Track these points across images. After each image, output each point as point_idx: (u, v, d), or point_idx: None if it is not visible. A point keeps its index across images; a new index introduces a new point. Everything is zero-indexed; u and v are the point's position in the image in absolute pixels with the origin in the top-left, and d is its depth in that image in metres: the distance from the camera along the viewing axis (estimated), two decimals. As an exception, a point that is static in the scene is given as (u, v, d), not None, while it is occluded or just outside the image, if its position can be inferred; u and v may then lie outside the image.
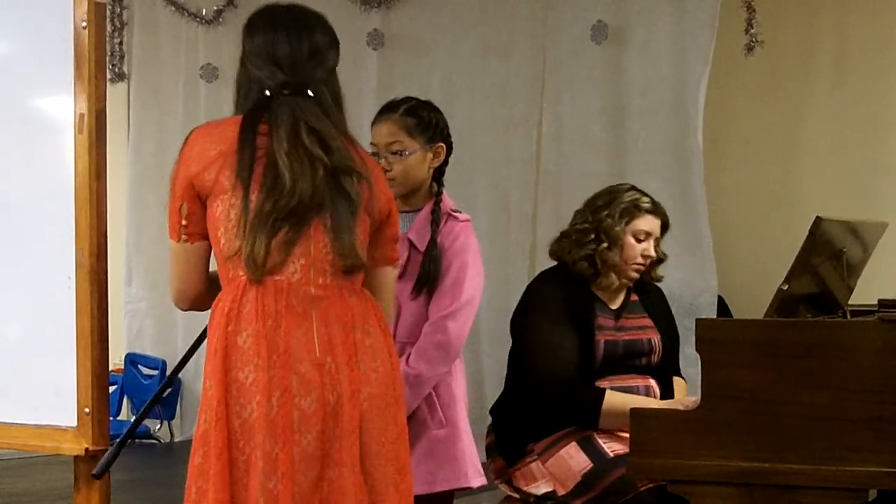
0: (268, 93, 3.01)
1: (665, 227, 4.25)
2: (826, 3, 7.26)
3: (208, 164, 2.93)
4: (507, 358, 4.29)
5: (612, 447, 4.00)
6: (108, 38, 7.87)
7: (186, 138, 3.02)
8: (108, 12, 8.25)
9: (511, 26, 7.67)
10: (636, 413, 3.65)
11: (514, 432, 4.17)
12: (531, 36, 7.63)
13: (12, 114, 3.80)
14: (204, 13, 8.50)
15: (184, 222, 2.97)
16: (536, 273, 4.50)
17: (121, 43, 8.72)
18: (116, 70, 8.59)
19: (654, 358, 4.22)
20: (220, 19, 8.45)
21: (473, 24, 7.77)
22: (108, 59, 7.45)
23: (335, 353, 2.92)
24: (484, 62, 7.74)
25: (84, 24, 3.53)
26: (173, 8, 8.59)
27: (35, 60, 3.75)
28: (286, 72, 3.02)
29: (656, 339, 4.24)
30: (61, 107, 3.60)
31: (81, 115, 3.53)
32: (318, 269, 2.95)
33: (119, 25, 8.68)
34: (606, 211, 4.16)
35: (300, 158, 2.92)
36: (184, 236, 2.98)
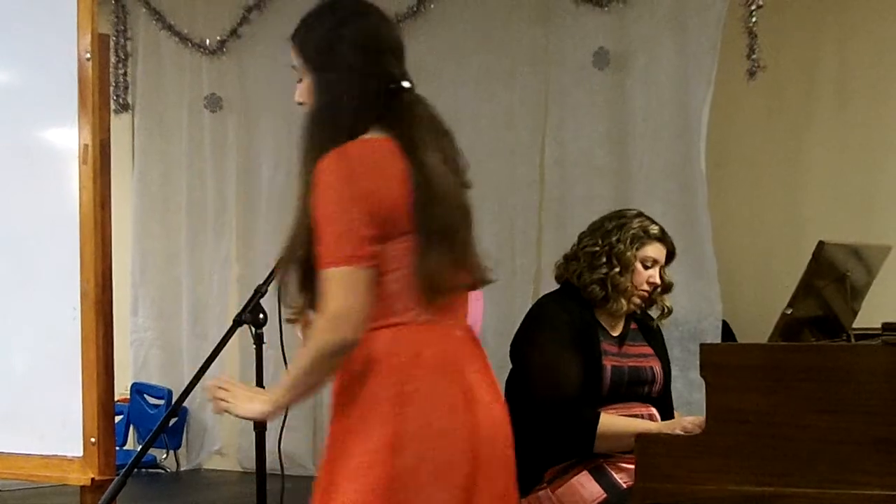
0: (392, 86, 2.91)
1: (671, 255, 4.24)
2: (827, 27, 7.27)
3: (389, 212, 2.79)
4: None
5: (622, 478, 3.99)
6: (112, 69, 7.92)
7: (341, 165, 2.79)
8: (111, 43, 8.29)
9: (513, 54, 7.70)
10: (642, 437, 3.65)
11: (528, 460, 4.10)
12: (534, 63, 7.66)
13: (17, 145, 3.82)
14: (207, 43, 8.53)
15: (373, 249, 2.77)
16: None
17: (125, 74, 8.74)
18: (120, 101, 8.61)
19: (657, 387, 4.22)
20: (224, 49, 8.48)
21: (476, 52, 7.80)
22: (112, 89, 7.49)
23: (485, 394, 2.92)
24: (487, 90, 7.76)
25: (88, 55, 3.55)
26: (177, 38, 8.62)
27: (39, 91, 3.77)
28: (399, 60, 2.94)
29: (658, 367, 4.24)
30: (66, 137, 3.62)
31: (86, 146, 3.55)
32: (464, 306, 2.96)
33: (123, 56, 8.70)
34: (617, 236, 4.15)
35: (445, 171, 2.89)
36: (367, 263, 2.77)
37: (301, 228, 2.83)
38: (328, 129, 2.84)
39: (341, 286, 2.74)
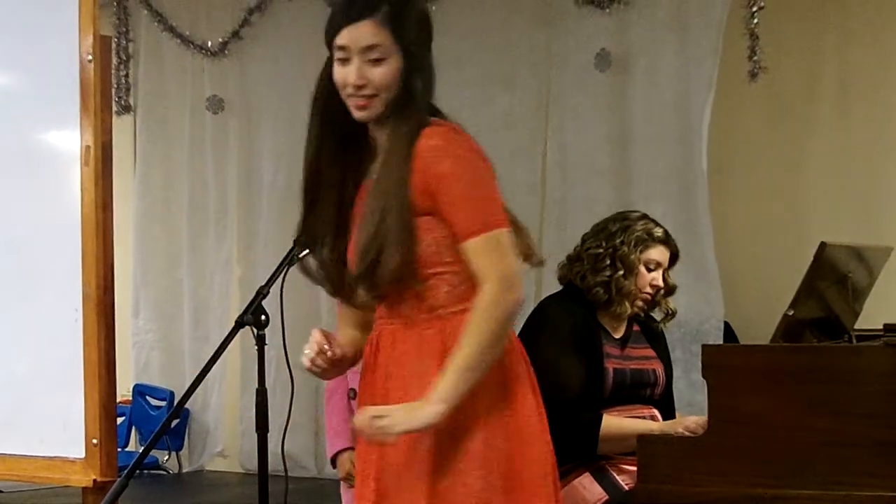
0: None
1: (674, 257, 4.24)
2: (828, 29, 7.27)
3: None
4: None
5: (623, 480, 4.00)
6: (113, 71, 7.92)
7: (462, 136, 2.80)
8: (113, 45, 8.29)
9: (515, 56, 7.69)
10: (643, 439, 3.66)
11: None
12: (535, 65, 7.66)
13: (19, 147, 3.82)
14: (209, 45, 8.54)
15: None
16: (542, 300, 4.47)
17: (126, 75, 8.75)
18: (122, 102, 8.62)
19: (659, 389, 4.22)
20: (226, 51, 8.49)
21: (477, 54, 7.79)
22: (113, 91, 7.50)
23: None
24: (488, 92, 7.76)
25: (90, 57, 3.56)
26: (179, 40, 8.62)
27: (41, 94, 3.77)
28: None
29: (660, 370, 4.24)
30: (67, 139, 3.62)
31: (87, 148, 3.56)
32: None
33: (125, 58, 8.71)
34: (621, 238, 4.14)
35: None
36: (510, 227, 2.82)
37: (398, 215, 2.73)
38: (423, 110, 2.81)
39: (505, 247, 2.75)
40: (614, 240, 4.15)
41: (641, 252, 4.14)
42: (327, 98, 2.83)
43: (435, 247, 2.75)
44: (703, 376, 3.61)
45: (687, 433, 3.81)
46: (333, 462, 4.22)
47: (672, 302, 4.27)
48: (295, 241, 3.64)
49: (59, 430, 3.63)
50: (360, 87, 2.76)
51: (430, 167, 2.72)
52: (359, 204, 2.85)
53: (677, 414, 4.27)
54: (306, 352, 2.81)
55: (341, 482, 4.19)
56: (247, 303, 3.62)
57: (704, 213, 6.93)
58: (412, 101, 2.79)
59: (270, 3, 8.26)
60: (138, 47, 8.82)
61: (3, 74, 3.95)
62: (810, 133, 7.33)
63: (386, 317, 2.86)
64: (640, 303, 4.17)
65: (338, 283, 2.91)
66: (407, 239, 2.73)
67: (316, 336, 2.83)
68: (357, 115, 2.79)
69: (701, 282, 6.85)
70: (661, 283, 4.18)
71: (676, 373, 4.46)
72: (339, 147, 2.86)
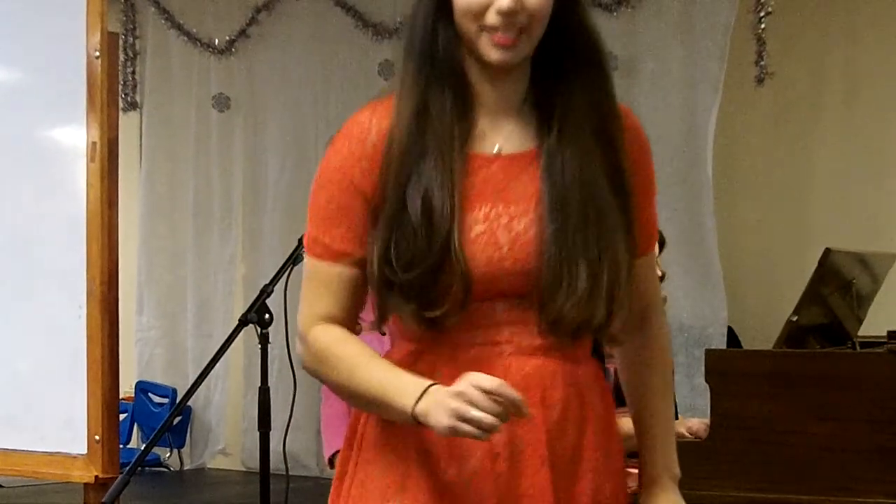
0: None
1: (661, 245, 4.26)
2: (835, 34, 7.27)
3: None
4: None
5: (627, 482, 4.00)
6: (120, 68, 7.92)
7: None
8: (120, 42, 8.27)
9: (521, 57, 7.69)
10: (645, 443, 3.66)
11: None
12: (541, 67, 7.65)
13: (25, 142, 3.82)
14: (216, 43, 8.54)
15: None
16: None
17: (133, 72, 8.75)
18: (129, 99, 8.63)
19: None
20: (233, 49, 8.49)
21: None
22: (120, 88, 7.50)
23: None
24: (494, 93, 7.74)
25: (97, 53, 3.55)
26: (186, 38, 8.63)
27: (48, 90, 3.77)
28: None
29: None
30: (74, 136, 3.62)
31: (94, 144, 3.55)
32: None
33: (132, 55, 8.72)
34: None
35: None
36: None
37: (627, 215, 2.17)
38: (609, 67, 2.28)
39: None
40: None
41: None
42: (434, 38, 2.01)
43: None
44: (706, 381, 3.61)
45: (689, 435, 3.81)
46: (331, 462, 4.22)
47: (668, 301, 4.29)
48: (299, 240, 3.64)
49: (61, 427, 3.62)
50: (510, 15, 1.96)
51: (638, 160, 2.22)
52: (469, 180, 2.03)
53: (679, 416, 4.28)
54: (488, 410, 1.84)
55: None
56: (251, 301, 3.63)
57: (709, 217, 6.92)
58: (587, 50, 2.21)
59: (278, 1, 8.26)
60: (145, 44, 8.82)
61: (10, 70, 3.95)
62: (816, 138, 7.33)
63: (543, 350, 2.12)
64: None
65: (443, 292, 1.99)
66: (635, 247, 2.14)
67: (508, 392, 1.88)
68: (496, 56, 1.99)
69: (705, 286, 6.85)
70: (659, 272, 4.20)
71: (679, 377, 4.46)
72: (454, 102, 2.03)
